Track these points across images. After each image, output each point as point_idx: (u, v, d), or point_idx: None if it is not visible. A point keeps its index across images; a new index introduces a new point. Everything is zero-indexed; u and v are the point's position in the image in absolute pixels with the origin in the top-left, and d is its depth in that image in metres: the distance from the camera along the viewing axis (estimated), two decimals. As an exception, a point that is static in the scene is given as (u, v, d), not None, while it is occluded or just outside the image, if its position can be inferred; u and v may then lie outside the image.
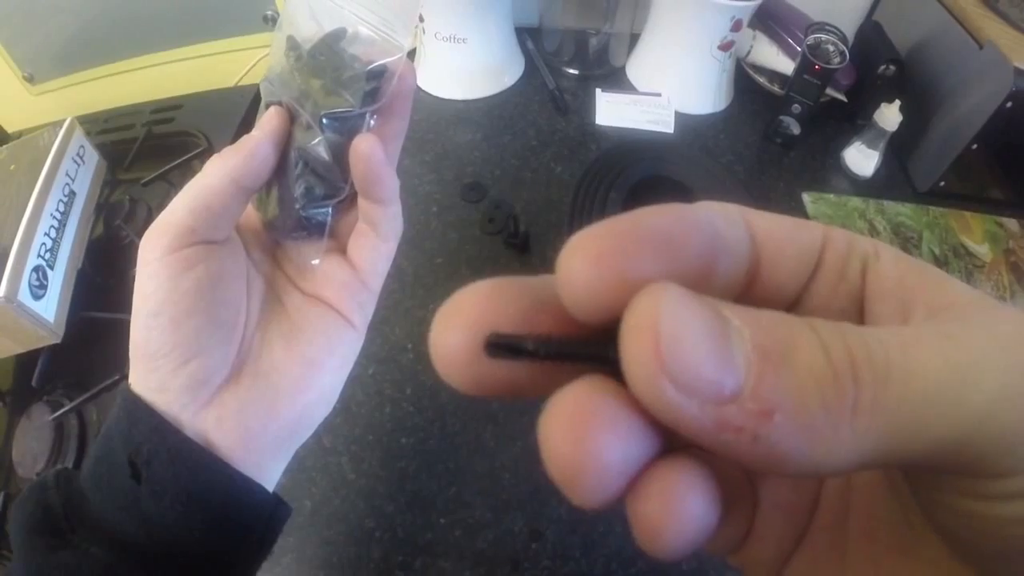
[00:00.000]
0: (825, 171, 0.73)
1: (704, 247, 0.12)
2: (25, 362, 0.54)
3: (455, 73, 0.77)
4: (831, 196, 0.69)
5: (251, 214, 0.31)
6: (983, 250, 0.66)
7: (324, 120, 0.27)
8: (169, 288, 0.25)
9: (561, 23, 0.82)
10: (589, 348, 0.11)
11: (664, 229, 0.11)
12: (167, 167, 0.68)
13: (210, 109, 0.77)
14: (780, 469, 0.10)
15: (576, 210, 0.60)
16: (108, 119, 0.78)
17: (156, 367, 0.25)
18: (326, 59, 0.27)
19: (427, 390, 0.52)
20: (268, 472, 0.28)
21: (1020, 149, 0.71)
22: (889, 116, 0.66)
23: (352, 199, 0.30)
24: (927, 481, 0.12)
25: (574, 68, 0.82)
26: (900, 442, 0.10)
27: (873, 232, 0.66)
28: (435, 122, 0.75)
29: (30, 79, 0.80)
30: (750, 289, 0.13)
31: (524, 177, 0.69)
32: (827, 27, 0.68)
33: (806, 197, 0.69)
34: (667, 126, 0.75)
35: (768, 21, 0.76)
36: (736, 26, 0.70)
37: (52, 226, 0.54)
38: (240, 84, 0.82)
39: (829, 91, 0.73)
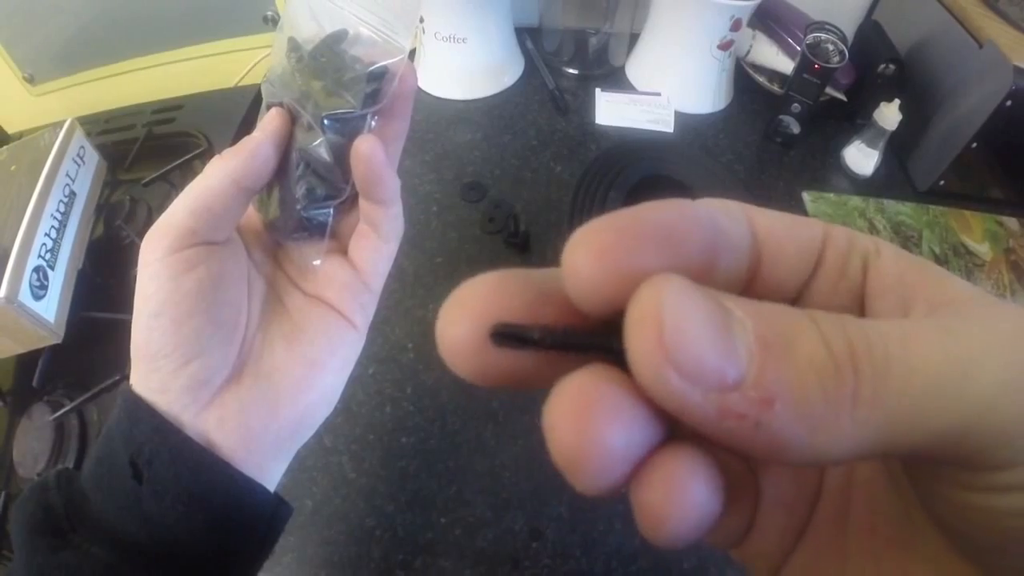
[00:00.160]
0: (825, 170, 0.73)
1: (706, 242, 0.12)
2: (26, 362, 0.54)
3: (455, 73, 0.77)
4: (831, 195, 0.69)
5: (252, 215, 0.31)
6: (983, 249, 0.66)
7: (325, 121, 0.27)
8: (170, 289, 0.25)
9: (561, 23, 0.83)
10: (594, 338, 0.12)
11: (666, 224, 0.11)
12: (168, 167, 0.68)
13: (211, 109, 0.77)
14: (781, 457, 0.10)
15: (576, 209, 0.60)
16: (108, 120, 0.78)
17: (157, 368, 0.25)
18: (327, 60, 0.27)
19: (427, 389, 0.52)
20: (269, 472, 0.28)
21: (1020, 148, 0.71)
22: (889, 115, 0.66)
23: (353, 200, 0.30)
24: (926, 473, 0.12)
25: (574, 68, 0.82)
26: (899, 433, 0.10)
27: (873, 231, 0.66)
28: (435, 122, 0.75)
29: (30, 80, 0.80)
30: (751, 285, 0.13)
31: (524, 177, 0.69)
32: (827, 26, 0.68)
33: (806, 196, 0.69)
34: (667, 125, 0.75)
35: (768, 20, 0.76)
36: (736, 25, 0.70)
37: (53, 226, 0.54)
38: (241, 84, 0.82)
39: (829, 90, 0.73)
